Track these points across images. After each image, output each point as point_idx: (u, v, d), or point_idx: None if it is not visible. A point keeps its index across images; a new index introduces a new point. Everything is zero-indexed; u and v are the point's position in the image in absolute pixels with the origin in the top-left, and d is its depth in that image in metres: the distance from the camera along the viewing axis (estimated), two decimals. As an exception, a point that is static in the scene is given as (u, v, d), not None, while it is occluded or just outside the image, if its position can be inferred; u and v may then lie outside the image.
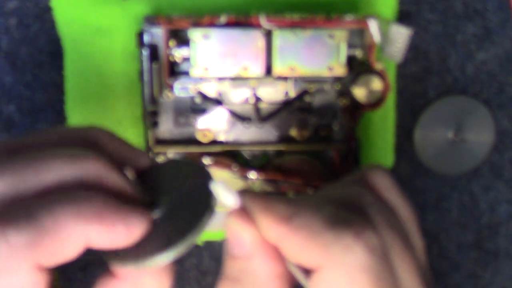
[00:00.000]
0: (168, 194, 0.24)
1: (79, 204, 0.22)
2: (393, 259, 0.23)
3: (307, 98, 0.35)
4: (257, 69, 0.34)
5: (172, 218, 0.24)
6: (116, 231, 0.22)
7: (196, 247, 0.40)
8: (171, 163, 0.27)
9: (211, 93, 0.35)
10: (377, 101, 0.35)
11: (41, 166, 0.22)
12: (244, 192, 0.24)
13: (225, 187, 0.23)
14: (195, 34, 0.33)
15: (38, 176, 0.22)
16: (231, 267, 0.24)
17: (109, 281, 0.24)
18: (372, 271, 0.22)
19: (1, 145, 0.23)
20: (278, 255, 0.24)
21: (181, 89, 0.34)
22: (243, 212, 0.24)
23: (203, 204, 0.23)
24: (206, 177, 0.25)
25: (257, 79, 0.34)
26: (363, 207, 0.24)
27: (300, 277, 0.23)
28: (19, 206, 0.21)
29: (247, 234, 0.24)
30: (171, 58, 0.33)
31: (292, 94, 0.35)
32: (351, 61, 0.34)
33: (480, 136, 0.39)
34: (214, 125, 0.35)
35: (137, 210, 0.23)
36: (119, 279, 0.24)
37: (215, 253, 0.40)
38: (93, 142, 0.25)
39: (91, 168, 0.23)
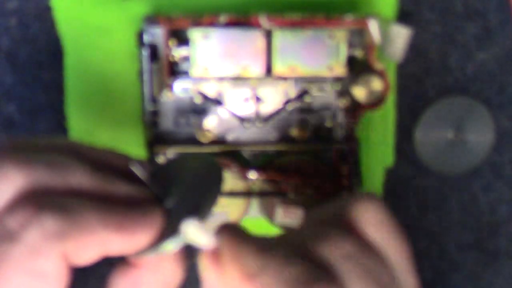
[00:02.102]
0: (180, 184, 0.25)
1: (105, 213, 0.22)
2: None
3: (307, 98, 0.35)
4: (257, 69, 0.34)
5: (183, 205, 0.24)
6: (135, 239, 0.23)
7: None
8: (182, 157, 0.29)
9: (211, 93, 0.35)
10: (377, 101, 0.35)
11: (67, 169, 0.23)
12: (219, 231, 0.24)
13: (198, 226, 0.23)
14: (195, 34, 0.33)
15: (64, 177, 0.23)
16: None
17: (127, 271, 0.24)
18: None
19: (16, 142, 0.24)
20: None
21: (181, 89, 0.34)
22: (214, 255, 0.24)
23: (210, 189, 0.24)
24: (213, 166, 0.25)
25: (257, 79, 0.34)
26: (333, 263, 0.23)
27: None
28: (51, 197, 0.22)
29: (215, 280, 0.24)
30: (171, 58, 0.33)
31: (292, 94, 0.35)
32: (351, 61, 0.34)
33: (480, 136, 0.39)
34: (214, 125, 0.35)
35: (152, 212, 0.23)
36: (138, 268, 0.24)
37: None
38: (75, 152, 0.25)
39: (105, 181, 0.24)
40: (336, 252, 0.23)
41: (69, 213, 0.21)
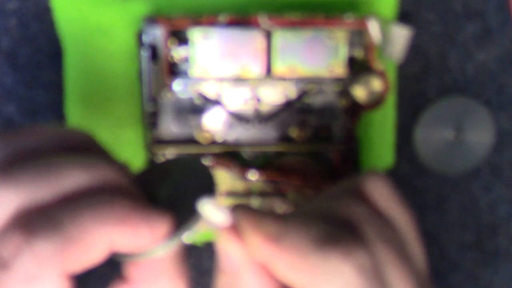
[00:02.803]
0: (168, 189, 0.25)
1: (102, 209, 0.22)
2: (387, 276, 0.22)
3: (307, 99, 0.35)
4: (257, 69, 0.34)
5: (173, 206, 0.24)
6: (140, 233, 0.22)
7: (196, 247, 0.40)
8: (170, 161, 0.28)
9: (211, 93, 0.35)
10: (377, 101, 0.35)
11: (57, 173, 0.22)
12: (234, 209, 0.24)
13: (213, 204, 0.23)
14: (195, 34, 0.33)
15: (56, 183, 0.22)
16: (220, 281, 0.24)
17: (122, 286, 0.24)
18: None
19: (3, 149, 0.23)
20: (267, 272, 0.23)
21: (180, 89, 0.34)
22: (233, 229, 0.23)
23: (200, 194, 0.24)
24: (204, 171, 0.25)
25: (257, 79, 0.34)
26: (354, 223, 0.23)
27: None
28: (41, 214, 0.21)
29: (236, 251, 0.23)
30: (170, 58, 0.33)
31: (292, 94, 0.35)
32: (351, 61, 0.34)
33: (480, 136, 0.39)
34: (214, 125, 0.35)
35: (158, 209, 0.23)
36: (133, 284, 0.24)
37: (215, 253, 0.40)
38: (87, 145, 0.24)
39: (106, 173, 0.23)
40: (357, 213, 0.24)
41: (62, 227, 0.21)
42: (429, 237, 0.40)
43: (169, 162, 0.28)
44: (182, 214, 0.23)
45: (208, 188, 0.24)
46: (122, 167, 0.24)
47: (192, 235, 0.23)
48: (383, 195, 0.25)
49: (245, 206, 0.24)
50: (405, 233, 0.25)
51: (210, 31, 0.33)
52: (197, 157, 0.34)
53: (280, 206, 0.36)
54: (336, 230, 0.23)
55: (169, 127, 0.35)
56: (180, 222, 0.23)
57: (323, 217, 0.24)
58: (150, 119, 0.34)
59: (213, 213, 0.23)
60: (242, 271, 0.23)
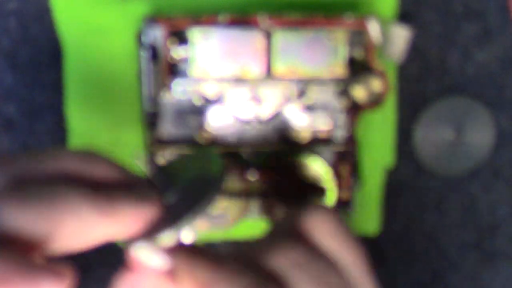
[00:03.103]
0: (182, 180, 0.25)
1: (91, 195, 0.22)
2: None
3: (307, 99, 0.35)
4: (257, 69, 0.34)
5: (183, 200, 0.24)
6: (125, 222, 0.23)
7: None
8: (187, 154, 0.28)
9: (211, 93, 0.35)
10: (377, 101, 0.35)
11: (54, 155, 0.23)
12: (171, 251, 0.24)
13: (149, 247, 0.24)
14: (195, 35, 0.33)
15: (49, 162, 0.23)
16: None
17: (128, 274, 0.24)
18: None
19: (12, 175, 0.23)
20: None
21: (180, 90, 0.34)
22: (169, 272, 0.24)
23: (209, 185, 0.24)
24: (216, 163, 0.26)
25: (257, 79, 0.34)
26: (284, 272, 0.23)
27: None
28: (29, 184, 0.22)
29: None
30: (170, 59, 0.33)
31: (292, 94, 0.35)
32: (351, 62, 0.34)
33: (480, 136, 0.39)
34: (213, 125, 0.35)
35: (146, 198, 0.24)
36: (139, 272, 0.24)
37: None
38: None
39: (74, 165, 0.24)
40: (285, 261, 0.24)
41: (49, 197, 0.21)
42: (429, 237, 0.40)
43: (185, 156, 0.29)
44: (191, 203, 0.24)
45: (215, 178, 0.25)
46: (114, 164, 0.25)
47: (197, 225, 0.24)
48: (325, 233, 0.24)
49: (183, 248, 0.24)
50: (351, 273, 0.24)
51: (210, 31, 0.33)
52: (210, 148, 0.34)
53: (279, 206, 0.36)
54: (263, 280, 0.23)
55: (169, 127, 0.35)
56: (188, 211, 0.23)
57: (255, 264, 0.24)
58: (150, 120, 0.34)
59: (149, 257, 0.24)
60: None
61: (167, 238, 0.23)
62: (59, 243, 0.22)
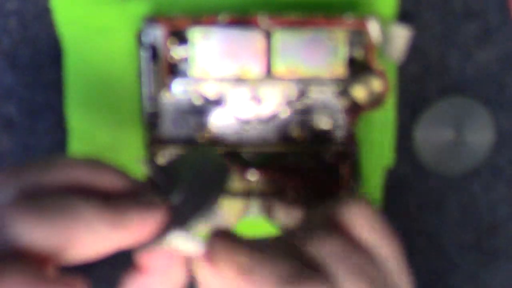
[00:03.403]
0: (186, 180, 0.25)
1: (100, 207, 0.22)
2: None
3: (307, 99, 0.35)
4: (257, 69, 0.34)
5: (189, 200, 0.24)
6: (134, 232, 0.23)
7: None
8: (189, 153, 0.29)
9: (211, 93, 0.35)
10: (377, 101, 0.35)
11: (59, 165, 0.23)
12: (210, 238, 0.24)
13: (185, 235, 0.24)
14: (195, 34, 0.33)
15: (56, 173, 0.23)
16: None
17: (136, 275, 0.25)
18: None
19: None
20: None
21: (180, 90, 0.34)
22: (208, 258, 0.24)
23: (215, 185, 0.25)
24: (219, 162, 0.26)
25: (257, 79, 0.34)
26: (324, 260, 0.23)
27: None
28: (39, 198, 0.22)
29: (211, 278, 0.24)
30: (170, 59, 0.33)
31: (292, 94, 0.35)
32: (351, 62, 0.34)
33: (480, 136, 0.39)
34: (213, 125, 0.35)
35: (153, 205, 0.24)
36: (146, 274, 0.25)
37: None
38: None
39: (80, 174, 0.24)
40: (326, 251, 0.24)
41: (61, 210, 0.22)
42: (429, 237, 0.40)
43: (187, 155, 0.29)
44: (197, 204, 0.24)
45: (220, 178, 0.25)
46: (118, 173, 0.25)
47: (205, 226, 0.24)
48: (363, 226, 0.25)
49: (222, 234, 0.25)
50: (388, 263, 0.24)
51: (210, 31, 0.33)
52: (211, 148, 0.34)
53: (279, 205, 0.36)
54: (304, 269, 0.23)
55: (169, 127, 0.35)
56: (195, 212, 0.24)
57: (295, 252, 0.24)
58: (150, 119, 0.34)
59: (186, 245, 0.24)
60: None
61: (177, 239, 0.23)
62: (71, 254, 0.22)
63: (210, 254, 0.24)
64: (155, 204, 0.24)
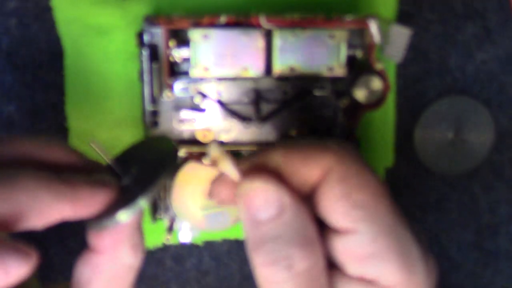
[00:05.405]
0: (138, 164, 0.27)
1: (51, 180, 0.23)
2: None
3: (307, 98, 0.35)
4: (257, 69, 0.34)
5: (138, 182, 0.26)
6: (84, 204, 0.24)
7: (196, 247, 0.40)
8: (144, 140, 0.30)
9: (211, 93, 0.35)
10: (377, 101, 0.35)
11: (12, 140, 0.25)
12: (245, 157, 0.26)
13: (218, 146, 0.26)
14: (195, 34, 0.33)
15: (9, 146, 0.25)
16: (259, 234, 0.25)
17: (89, 256, 0.26)
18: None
19: None
20: (306, 209, 0.24)
21: (181, 89, 0.34)
22: (257, 171, 0.25)
23: (162, 166, 0.26)
24: (169, 147, 0.28)
25: (257, 79, 0.34)
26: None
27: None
28: None
29: (272, 188, 0.24)
30: (171, 58, 0.33)
31: (292, 94, 0.35)
32: (351, 61, 0.34)
33: (480, 136, 0.39)
34: (214, 125, 0.35)
35: (99, 181, 0.25)
36: (98, 253, 0.26)
37: (215, 253, 0.40)
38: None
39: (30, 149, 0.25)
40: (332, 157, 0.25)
41: (8, 181, 0.22)
42: (429, 237, 0.40)
43: (143, 142, 0.30)
44: (145, 183, 0.25)
45: (168, 159, 0.27)
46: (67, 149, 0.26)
47: (148, 203, 0.25)
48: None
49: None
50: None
51: (210, 31, 0.33)
52: (164, 136, 0.35)
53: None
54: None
55: (170, 126, 0.35)
56: (142, 191, 0.25)
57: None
58: (151, 119, 0.34)
59: (229, 169, 0.25)
60: (285, 208, 0.24)
61: (124, 216, 0.24)
62: (21, 222, 0.23)
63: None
64: (105, 182, 0.25)
